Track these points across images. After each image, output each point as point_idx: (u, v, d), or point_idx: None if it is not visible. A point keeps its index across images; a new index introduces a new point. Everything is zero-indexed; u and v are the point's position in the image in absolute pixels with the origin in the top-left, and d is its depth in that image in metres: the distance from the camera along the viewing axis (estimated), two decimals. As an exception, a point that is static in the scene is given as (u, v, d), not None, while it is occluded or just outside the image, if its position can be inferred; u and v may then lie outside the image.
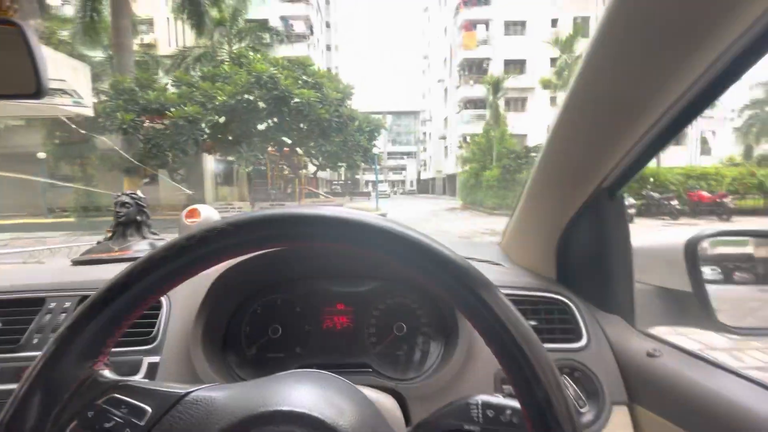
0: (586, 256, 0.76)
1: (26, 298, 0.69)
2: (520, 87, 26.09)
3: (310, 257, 0.77)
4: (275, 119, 14.17)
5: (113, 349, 0.68)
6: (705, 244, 1.04)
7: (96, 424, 0.32)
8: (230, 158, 15.44)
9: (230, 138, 13.82)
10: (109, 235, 0.92)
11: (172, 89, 13.47)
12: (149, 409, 0.33)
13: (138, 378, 0.62)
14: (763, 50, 0.41)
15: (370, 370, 0.72)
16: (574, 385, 0.66)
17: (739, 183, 13.25)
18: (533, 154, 16.34)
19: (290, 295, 0.78)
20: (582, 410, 0.64)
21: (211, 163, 16.39)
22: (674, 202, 11.61)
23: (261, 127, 14.51)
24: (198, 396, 0.35)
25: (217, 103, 12.77)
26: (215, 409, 0.33)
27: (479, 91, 27.30)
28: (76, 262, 0.86)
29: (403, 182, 66.75)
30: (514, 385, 0.32)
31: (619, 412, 0.64)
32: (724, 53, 0.41)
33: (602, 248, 0.73)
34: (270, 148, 15.81)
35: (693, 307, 0.71)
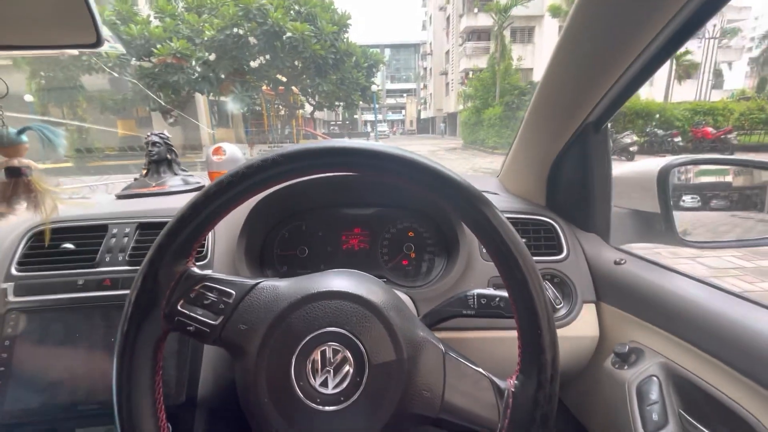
0: (571, 184, 0.87)
1: (92, 225, 0.80)
2: (527, 15, 24.34)
3: (329, 187, 0.87)
4: (268, 56, 13.49)
5: None
6: (690, 174, 1.14)
7: (197, 301, 0.45)
8: (224, 98, 14.95)
9: (222, 77, 13.26)
10: (144, 172, 1.01)
11: (155, 22, 12.63)
12: (233, 292, 0.45)
13: None
14: None
15: (386, 280, 0.86)
16: (554, 288, 0.80)
17: (747, 118, 12.98)
18: (537, 91, 15.76)
19: (313, 221, 0.90)
20: (558, 307, 0.79)
21: (205, 105, 15.89)
22: (677, 139, 11.51)
23: (254, 64, 13.85)
24: (266, 284, 0.47)
25: (205, 38, 12.07)
26: (280, 292, 0.46)
27: (484, 20, 25.54)
28: (120, 197, 0.97)
29: (402, 122, 64.92)
30: (504, 276, 0.42)
31: (588, 308, 0.79)
32: None
33: (586, 177, 0.83)
34: (265, 87, 15.24)
35: (660, 226, 0.84)
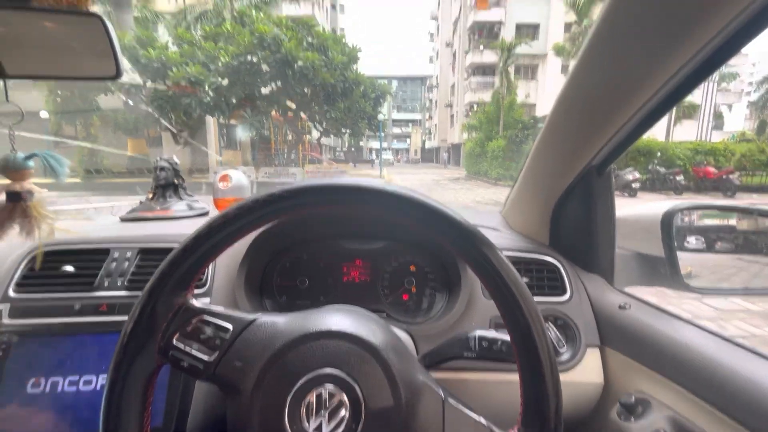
0: (575, 224, 0.86)
1: (94, 249, 0.80)
2: (531, 53, 25.20)
3: (331, 219, 0.87)
4: (279, 83, 13.92)
5: None
6: (693, 216, 1.14)
7: (193, 335, 0.44)
8: (233, 122, 15.32)
9: (234, 101, 13.63)
10: (151, 196, 1.02)
11: (173, 48, 13.14)
12: (230, 327, 0.45)
13: None
14: (744, 41, 0.47)
15: (385, 315, 0.84)
16: (557, 331, 0.79)
17: (748, 159, 13.11)
18: (540, 125, 16.16)
19: (315, 252, 0.89)
20: (561, 350, 0.77)
21: (214, 127, 16.24)
22: (679, 178, 11.59)
23: (265, 90, 14.28)
24: (264, 319, 0.46)
25: (219, 64, 12.51)
26: (278, 329, 0.45)
27: (489, 57, 26.49)
28: (125, 219, 0.98)
29: (407, 150, 65.94)
30: (506, 321, 0.42)
31: (592, 352, 0.77)
32: (707, 45, 0.47)
33: (589, 218, 0.84)
34: (274, 113, 15.62)
35: (664, 270, 0.83)
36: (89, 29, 0.54)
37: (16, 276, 0.75)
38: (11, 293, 0.73)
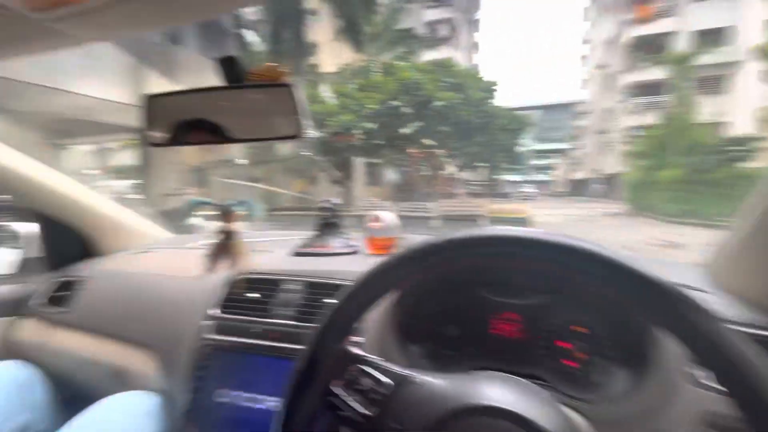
0: None
1: (272, 279, 0.93)
2: (716, 63, 20.53)
3: (484, 266, 0.81)
4: (418, 123, 14.87)
5: None
6: None
7: (352, 385, 0.44)
8: (376, 161, 16.91)
9: (379, 143, 15.13)
10: (314, 233, 1.16)
11: (331, 101, 15.55)
12: (388, 382, 0.43)
13: None
14: None
15: (547, 384, 0.72)
16: None
17: None
18: (737, 148, 12.72)
19: (466, 300, 0.84)
20: None
21: (361, 166, 18.21)
22: None
23: (405, 130, 15.43)
24: (420, 380, 0.43)
25: (368, 111, 14.17)
26: (435, 394, 0.41)
27: (653, 74, 22.76)
28: (295, 254, 1.13)
29: (550, 183, 60.81)
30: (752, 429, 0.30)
31: None
32: None
33: None
34: (413, 150, 16.65)
35: None
36: (281, 96, 0.64)
37: (221, 299, 0.92)
38: (217, 313, 0.90)
